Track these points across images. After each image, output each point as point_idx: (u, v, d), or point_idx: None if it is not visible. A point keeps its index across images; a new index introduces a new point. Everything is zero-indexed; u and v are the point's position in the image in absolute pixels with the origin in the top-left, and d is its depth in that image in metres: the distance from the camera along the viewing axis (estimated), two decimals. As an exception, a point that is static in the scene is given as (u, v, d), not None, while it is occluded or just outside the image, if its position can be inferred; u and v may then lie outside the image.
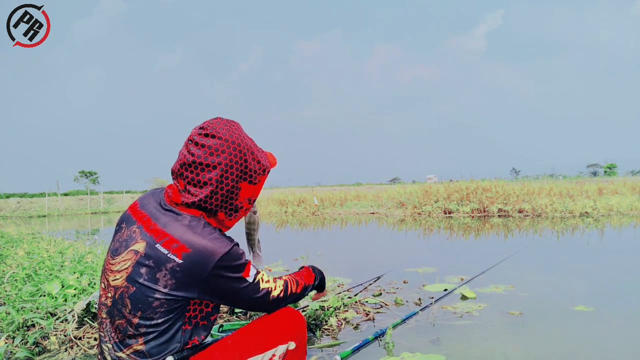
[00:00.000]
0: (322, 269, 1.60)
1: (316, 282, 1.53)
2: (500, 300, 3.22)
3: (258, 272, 1.24)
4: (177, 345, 1.14)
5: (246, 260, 1.20)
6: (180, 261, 1.09)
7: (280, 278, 1.35)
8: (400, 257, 5.61)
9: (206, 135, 1.18)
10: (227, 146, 1.19)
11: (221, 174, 1.18)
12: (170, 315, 1.12)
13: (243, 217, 1.41)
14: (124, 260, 1.15)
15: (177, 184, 1.21)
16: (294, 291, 1.36)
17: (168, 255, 1.09)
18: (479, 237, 7.60)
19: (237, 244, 1.20)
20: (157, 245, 1.11)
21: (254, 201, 1.32)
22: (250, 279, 1.19)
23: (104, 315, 1.19)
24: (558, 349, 2.29)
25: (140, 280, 1.11)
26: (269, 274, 1.30)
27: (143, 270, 1.11)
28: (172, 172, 1.22)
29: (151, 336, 1.12)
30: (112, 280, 1.16)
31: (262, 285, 1.23)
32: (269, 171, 1.30)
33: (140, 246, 1.14)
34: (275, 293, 1.27)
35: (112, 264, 1.18)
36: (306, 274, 1.49)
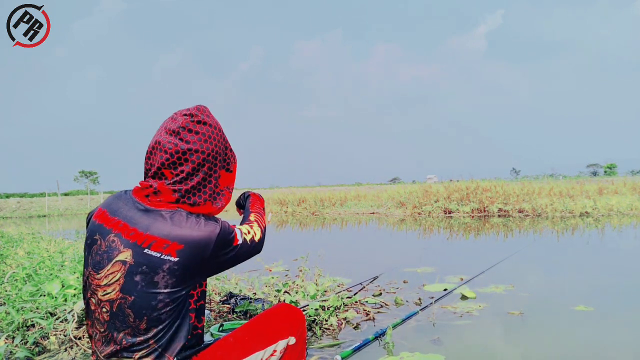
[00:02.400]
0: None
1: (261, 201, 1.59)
2: (500, 300, 3.22)
3: (241, 232, 1.24)
4: (187, 331, 1.14)
5: (232, 229, 1.21)
6: (176, 259, 1.08)
7: (249, 221, 1.37)
8: (400, 257, 5.62)
9: (198, 122, 1.17)
10: (216, 133, 1.19)
11: (206, 161, 1.17)
12: (177, 308, 1.12)
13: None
14: (111, 273, 1.11)
15: (157, 180, 1.16)
16: (264, 225, 1.40)
17: (161, 257, 1.07)
18: (479, 237, 7.60)
19: (222, 221, 1.21)
20: (147, 251, 1.08)
21: (232, 190, 1.30)
22: (240, 242, 1.21)
23: (101, 329, 1.15)
24: (558, 349, 2.29)
25: (138, 288, 1.08)
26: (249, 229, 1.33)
27: (138, 278, 1.08)
28: (151, 168, 1.17)
29: (161, 334, 1.11)
30: (103, 295, 1.12)
31: (249, 238, 1.25)
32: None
33: (125, 255, 1.09)
34: (257, 237, 1.29)
35: (99, 279, 1.13)
36: (256, 202, 1.52)
